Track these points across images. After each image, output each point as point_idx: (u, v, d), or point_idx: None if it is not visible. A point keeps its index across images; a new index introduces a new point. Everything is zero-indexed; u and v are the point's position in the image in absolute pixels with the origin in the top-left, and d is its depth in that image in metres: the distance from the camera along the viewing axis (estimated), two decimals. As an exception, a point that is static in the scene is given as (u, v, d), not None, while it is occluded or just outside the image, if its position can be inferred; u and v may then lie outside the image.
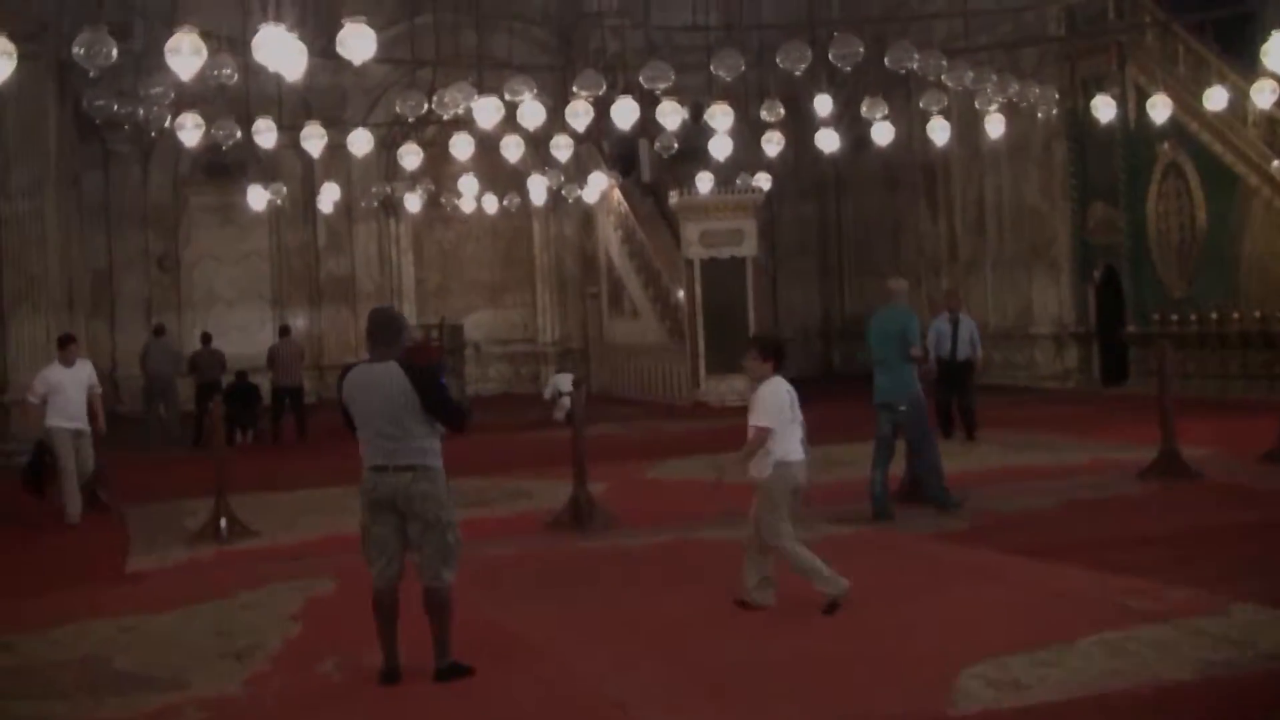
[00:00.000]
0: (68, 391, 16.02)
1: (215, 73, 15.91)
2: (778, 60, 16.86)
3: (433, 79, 21.34)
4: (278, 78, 24.53)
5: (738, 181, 29.88)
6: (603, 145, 32.97)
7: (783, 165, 31.69)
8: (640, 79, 17.98)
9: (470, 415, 8.58)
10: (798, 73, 16.94)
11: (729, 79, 17.91)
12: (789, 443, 9.71)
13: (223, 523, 14.30)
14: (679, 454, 19.92)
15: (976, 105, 22.28)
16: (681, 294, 29.08)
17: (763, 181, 30.36)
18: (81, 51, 12.87)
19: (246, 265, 34.14)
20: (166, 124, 18.98)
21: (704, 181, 29.65)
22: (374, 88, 32.31)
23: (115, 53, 13.09)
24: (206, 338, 26.86)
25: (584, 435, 14.06)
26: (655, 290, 30.82)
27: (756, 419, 9.64)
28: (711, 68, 17.85)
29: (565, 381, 26.33)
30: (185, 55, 13.17)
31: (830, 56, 16.36)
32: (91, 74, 13.64)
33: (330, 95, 31.73)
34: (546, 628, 9.78)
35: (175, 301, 33.41)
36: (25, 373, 23.22)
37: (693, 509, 14.76)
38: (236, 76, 16.50)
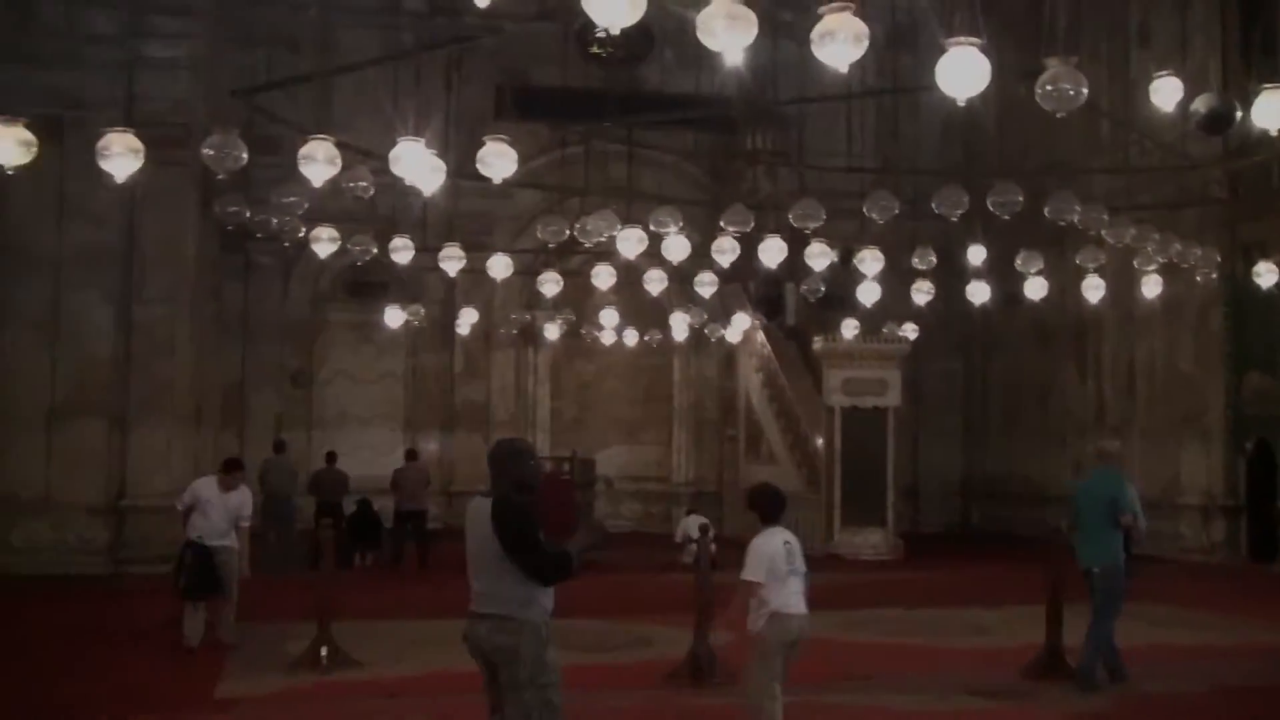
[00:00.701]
0: (212, 515, 15.26)
1: (351, 185, 15.50)
2: (933, 205, 16.16)
3: (579, 207, 20.93)
4: (423, 199, 24.78)
5: (884, 330, 29.10)
6: (749, 286, 32.40)
7: (931, 317, 30.83)
8: (790, 218, 17.37)
9: (566, 567, 7.56)
10: (954, 218, 16.20)
11: (881, 220, 17.27)
12: (784, 595, 9.42)
13: (324, 651, 13.67)
14: (812, 608, 18.93)
15: (1135, 264, 21.33)
16: (820, 442, 28.26)
17: (909, 332, 29.52)
18: (211, 153, 12.54)
19: (381, 386, 33.78)
20: (300, 234, 18.66)
21: (849, 328, 28.94)
22: (521, 215, 32.03)
23: (245, 156, 12.73)
24: (331, 457, 26.49)
25: (708, 583, 13.24)
26: (794, 437, 30.03)
27: (742, 573, 9.41)
28: (865, 209, 17.23)
29: (694, 525, 25.54)
30: (319, 163, 12.79)
31: (989, 204, 15.65)
32: (220, 176, 13.32)
33: (477, 220, 31.49)
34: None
35: (306, 419, 33.06)
36: (144, 481, 23.05)
37: (822, 670, 13.89)
38: (372, 190, 16.08)
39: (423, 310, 29.79)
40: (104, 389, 23.41)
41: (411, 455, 27.40)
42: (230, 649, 14.82)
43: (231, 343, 32.23)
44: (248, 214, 16.78)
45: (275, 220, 17.51)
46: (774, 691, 9.42)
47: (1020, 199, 15.83)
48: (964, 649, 15.44)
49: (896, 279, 25.12)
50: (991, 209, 15.82)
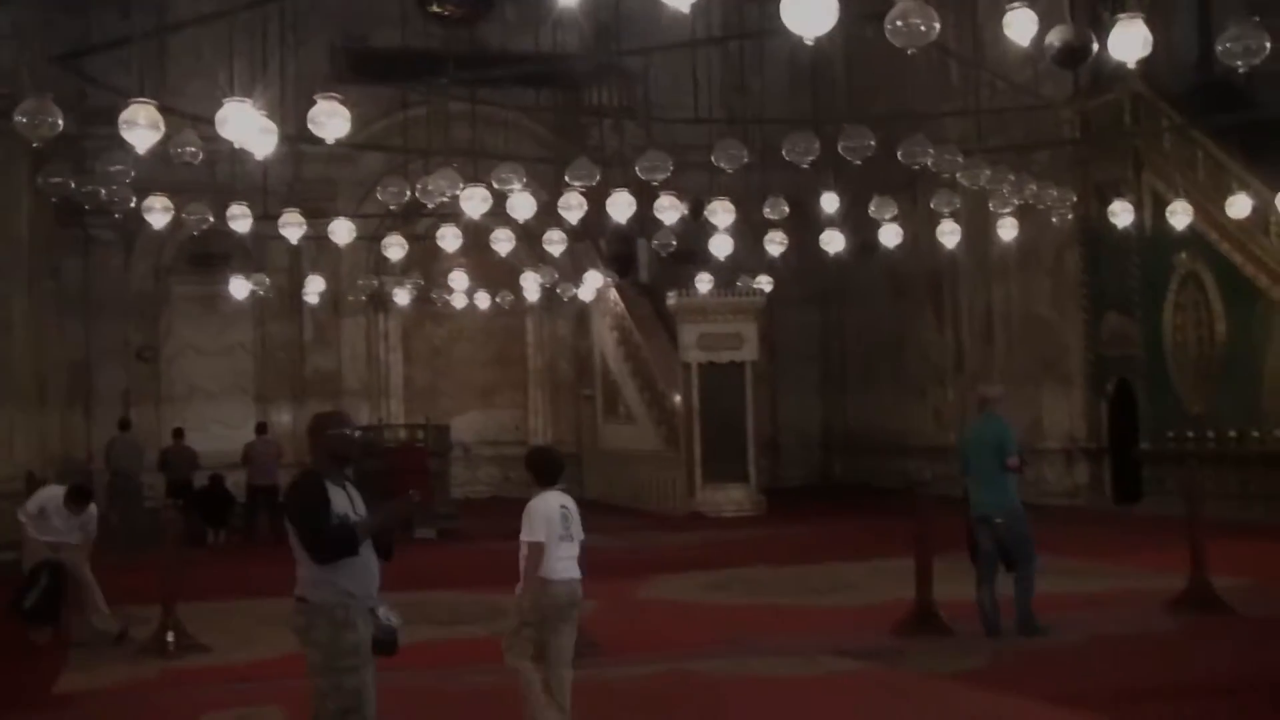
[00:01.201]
0: (57, 523, 14.47)
1: (179, 150, 14.84)
2: (783, 152, 15.72)
3: (424, 169, 20.36)
4: (263, 165, 24.03)
5: (738, 284, 28.85)
6: (599, 244, 32.04)
7: (785, 269, 30.64)
8: (637, 170, 16.94)
9: (343, 543, 7.02)
10: (804, 164, 15.78)
11: (730, 170, 16.81)
12: (552, 560, 9.10)
13: (170, 636, 13.07)
14: (673, 570, 18.72)
15: (991, 207, 21.20)
16: (678, 399, 27.96)
17: (764, 284, 29.28)
18: (24, 120, 11.80)
19: (229, 358, 32.96)
20: (132, 204, 17.91)
21: (703, 283, 28.67)
22: (365, 179, 31.22)
23: (60, 123, 12.00)
24: (179, 433, 25.76)
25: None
26: (651, 394, 29.71)
27: (522, 536, 9.17)
28: (713, 158, 16.75)
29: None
30: (141, 128, 12.06)
31: (839, 149, 15.32)
32: (35, 144, 12.61)
33: (320, 186, 30.83)
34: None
35: (155, 394, 32.20)
36: (-8, 466, 22.30)
37: (687, 635, 13.66)
38: (200, 156, 15.44)
39: (268, 280, 28.99)
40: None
41: (262, 429, 26.73)
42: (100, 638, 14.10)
43: (74, 320, 31.38)
44: (73, 185, 15.98)
45: (104, 191, 16.69)
46: (526, 650, 9.28)
47: (871, 143, 15.53)
48: (831, 607, 15.18)
49: (749, 231, 24.93)
50: (842, 154, 15.49)
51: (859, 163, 15.61)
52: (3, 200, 22.97)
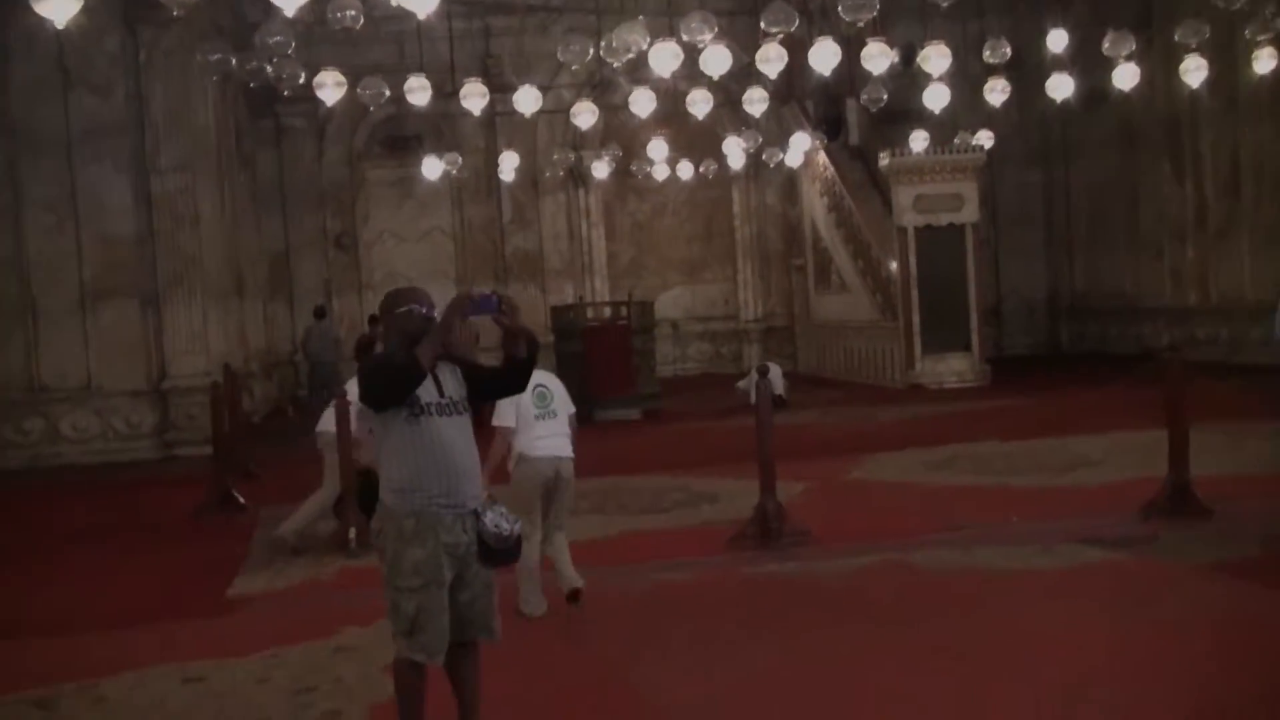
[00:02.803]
0: None
1: (338, 15, 13.74)
2: None
3: (598, 28, 19.02)
4: (449, 42, 22.93)
5: (955, 141, 27.04)
6: (805, 105, 30.38)
7: (1005, 123, 28.77)
8: (840, 10, 15.36)
9: (386, 371, 6.14)
10: None
11: (945, 4, 15.03)
12: (529, 438, 9.32)
13: (352, 533, 12.11)
14: (889, 447, 17.29)
15: (1247, 34, 19.00)
16: (894, 266, 26.38)
17: (984, 140, 27.43)
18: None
19: (428, 242, 32.20)
20: (300, 80, 16.94)
21: (918, 141, 26.93)
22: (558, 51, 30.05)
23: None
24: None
25: (768, 431, 11.54)
26: (865, 263, 28.13)
27: (493, 420, 9.28)
28: None
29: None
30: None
31: None
32: (175, 12, 11.59)
33: (513, 61, 29.73)
34: (698, 696, 7.43)
35: (355, 282, 31.69)
36: (182, 360, 21.76)
37: (902, 521, 12.30)
38: (361, 20, 14.33)
39: (460, 159, 28.12)
40: (131, 268, 21.93)
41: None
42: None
43: (271, 212, 31.04)
44: (233, 61, 15.01)
45: (268, 66, 15.71)
46: (533, 533, 9.18)
47: None
48: (1069, 488, 13.62)
49: (965, 84, 23.05)
50: None
51: None
52: (183, 91, 22.13)
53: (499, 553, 6.24)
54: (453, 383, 6.28)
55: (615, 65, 17.24)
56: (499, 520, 6.22)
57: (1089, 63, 21.79)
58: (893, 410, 22.25)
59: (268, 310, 30.31)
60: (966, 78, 22.66)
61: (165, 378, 21.98)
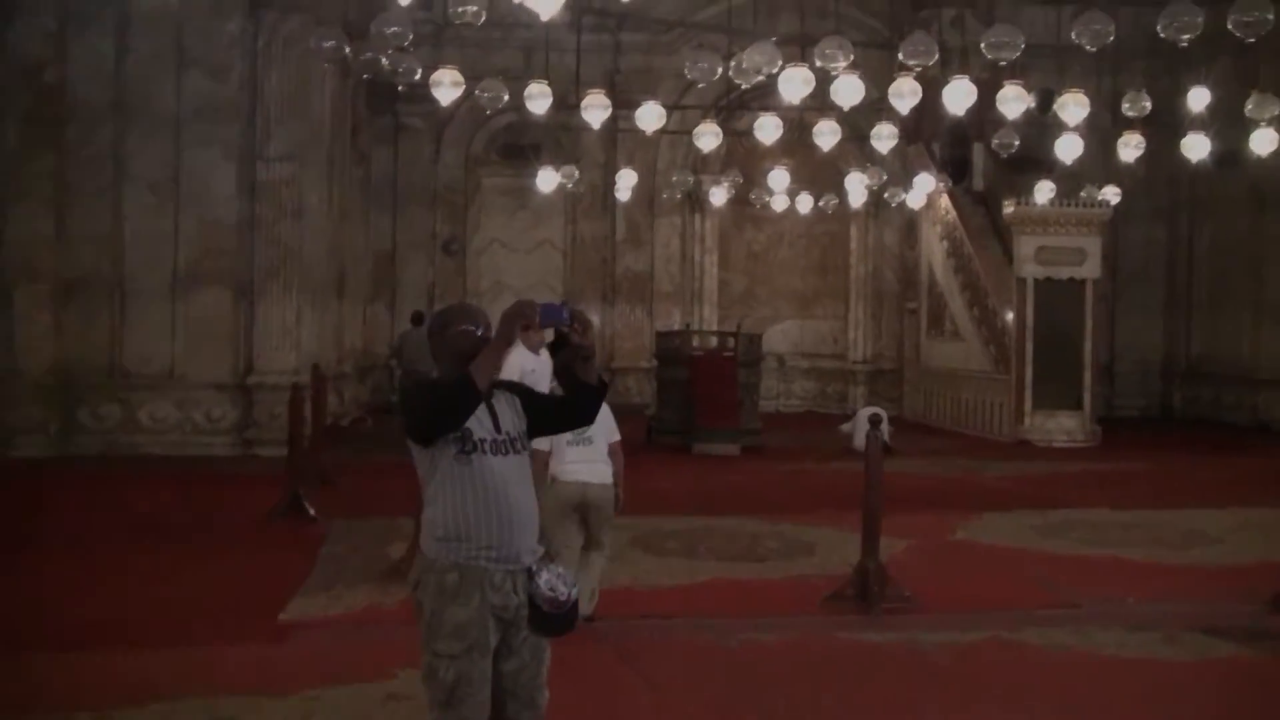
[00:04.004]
0: None
1: (460, 10, 13.27)
2: (1159, 28, 13.16)
3: (728, 48, 18.43)
4: (576, 53, 22.47)
5: (1082, 194, 26.25)
6: (931, 146, 29.63)
7: (1130, 180, 27.93)
8: (983, 47, 14.66)
9: (432, 396, 5.37)
10: (1182, 42, 13.12)
11: (1092, 49, 14.15)
12: (560, 463, 9.48)
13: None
14: (996, 506, 16.56)
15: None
16: (1010, 316, 25.60)
17: (1111, 195, 26.62)
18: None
19: (538, 255, 31.70)
20: (417, 76, 16.53)
21: (1043, 192, 26.17)
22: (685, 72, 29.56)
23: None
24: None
25: (878, 483, 10.90)
26: (981, 311, 27.34)
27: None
28: (1073, 34, 14.07)
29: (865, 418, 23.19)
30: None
31: (1230, 23, 12.69)
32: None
33: (639, 78, 29.22)
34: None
35: (460, 289, 31.17)
36: (271, 356, 21.38)
37: (1011, 591, 11.59)
38: (484, 16, 13.86)
39: (578, 173, 27.69)
40: (229, 256, 21.56)
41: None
42: None
43: (381, 210, 30.72)
44: (347, 50, 14.60)
45: (384, 59, 15.29)
46: (563, 552, 9.28)
47: (1271, 17, 12.71)
48: (1187, 565, 12.85)
49: (1094, 136, 22.23)
50: (1233, 29, 12.74)
51: (1252, 40, 12.93)
52: (301, 80, 21.79)
53: (552, 618, 5.39)
54: (510, 415, 5.48)
55: (744, 86, 16.67)
56: (555, 581, 5.39)
57: (1225, 122, 21.02)
58: (1000, 466, 21.48)
59: (368, 311, 30.00)
60: (1095, 130, 21.83)
61: (251, 372, 21.52)
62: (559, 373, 5.59)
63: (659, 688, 8.44)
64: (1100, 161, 24.85)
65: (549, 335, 5.65)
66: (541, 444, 8.62)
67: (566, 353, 5.46)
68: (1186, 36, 12.92)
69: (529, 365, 10.46)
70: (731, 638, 9.64)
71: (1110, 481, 19.54)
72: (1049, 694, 8.47)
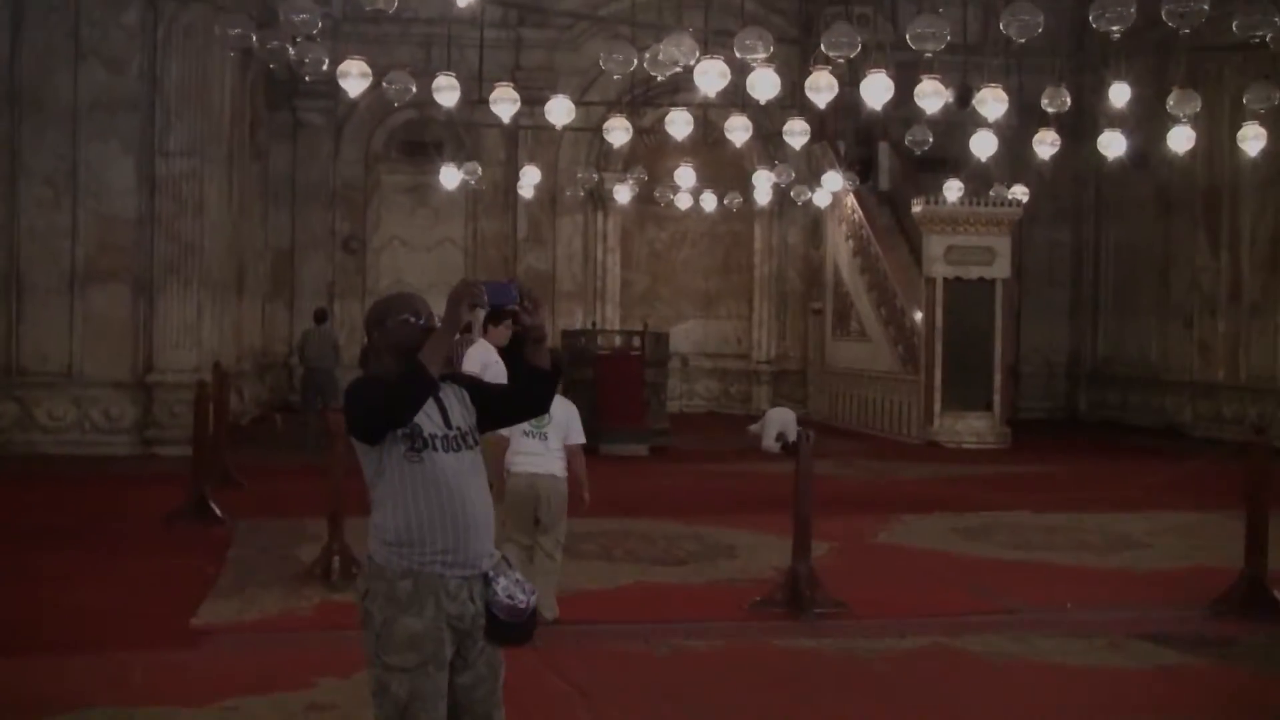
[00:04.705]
0: None
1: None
2: (1090, 18, 12.78)
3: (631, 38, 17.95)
4: (478, 50, 21.94)
5: (991, 193, 26.09)
6: (837, 145, 29.38)
7: (1036, 181, 27.88)
8: (907, 38, 14.29)
9: (375, 393, 4.81)
10: (1114, 33, 12.76)
11: (1020, 39, 13.77)
12: (513, 455, 9.34)
13: (335, 562, 11.05)
14: (914, 509, 16.28)
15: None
16: (919, 317, 25.40)
17: (1020, 194, 26.48)
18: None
19: (439, 253, 31.06)
20: (324, 66, 16.00)
21: (952, 191, 25.97)
22: (589, 68, 29.01)
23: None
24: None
25: (809, 493, 10.50)
26: (889, 311, 27.12)
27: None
28: (1001, 25, 13.65)
29: (776, 422, 22.91)
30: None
31: (1164, 14, 12.35)
32: None
33: (540, 75, 28.71)
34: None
35: (360, 287, 30.58)
36: (172, 354, 20.73)
37: (944, 597, 11.25)
38: (396, 2, 13.35)
39: (480, 170, 27.16)
40: (128, 252, 21.01)
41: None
42: None
43: (280, 207, 30.06)
44: (254, 38, 14.01)
45: (291, 49, 14.72)
46: (511, 543, 9.16)
47: (1206, 6, 12.33)
48: (1117, 570, 12.56)
49: (1000, 135, 21.97)
50: (1167, 19, 12.38)
51: (1186, 31, 12.61)
52: (201, 72, 21.14)
53: (509, 628, 4.92)
54: (459, 408, 5.01)
55: (659, 78, 16.24)
56: (513, 588, 4.92)
57: (1141, 121, 20.91)
58: (912, 468, 21.26)
59: (266, 309, 29.28)
60: (1002, 129, 21.61)
61: (151, 370, 20.94)
62: (505, 355, 5.14)
63: (590, 697, 7.98)
64: (1006, 161, 24.72)
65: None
66: (509, 432, 8.83)
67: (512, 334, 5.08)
68: (1116, 29, 12.57)
69: (491, 359, 9.93)
70: (661, 645, 9.21)
71: (1026, 484, 19.34)
72: (997, 705, 8.15)
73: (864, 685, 8.50)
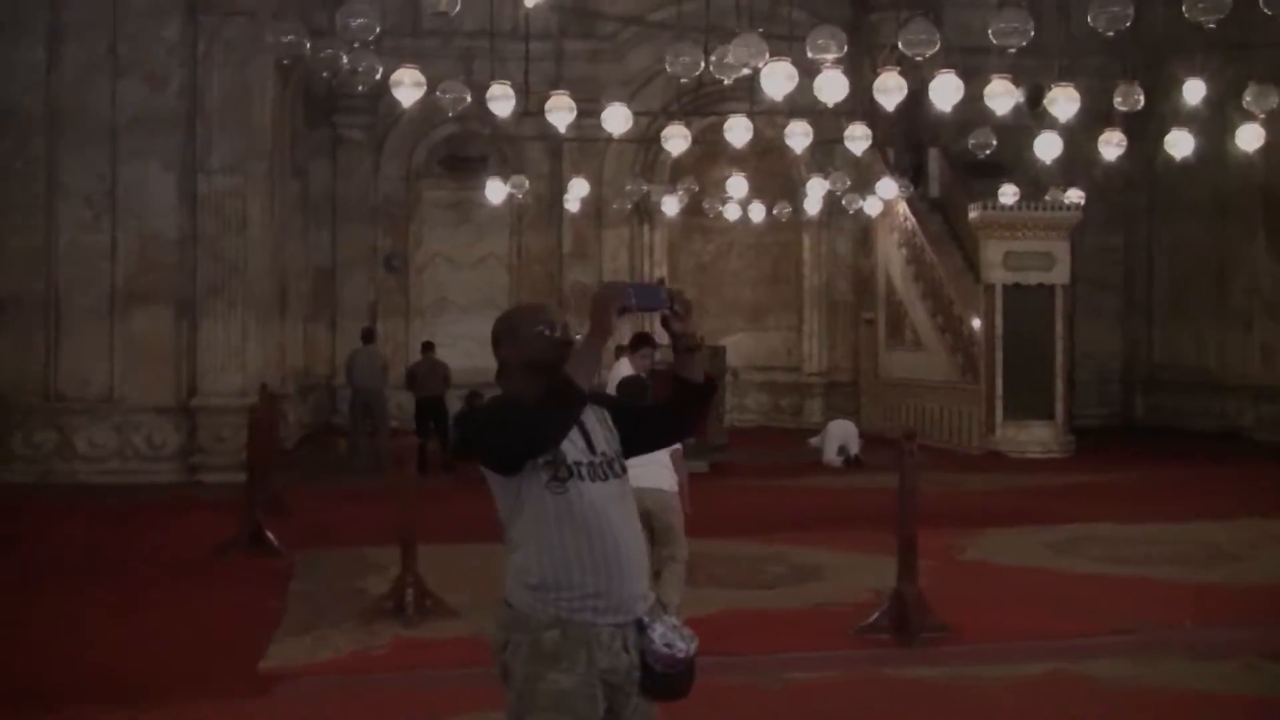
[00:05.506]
0: None
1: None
2: (1185, 9, 12.08)
3: (705, 44, 17.41)
4: (520, 63, 21.49)
5: (1046, 197, 25.55)
6: (887, 153, 28.83)
7: (1088, 184, 27.32)
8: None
9: (518, 414, 4.26)
10: (1208, 24, 12.06)
11: (1109, 32, 13.14)
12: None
13: (409, 594, 10.49)
14: (994, 522, 15.71)
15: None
16: (977, 324, 24.82)
17: (1075, 197, 25.94)
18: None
19: (482, 269, 30.58)
20: (377, 76, 15.55)
21: (1007, 196, 25.45)
22: (633, 79, 28.57)
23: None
24: (428, 346, 23.35)
25: (913, 511, 10.01)
26: (945, 319, 26.54)
27: None
28: (1089, 18, 12.68)
29: (837, 436, 22.44)
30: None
31: (1184, 10, 11.62)
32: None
33: (584, 86, 28.16)
34: None
35: (403, 306, 30.09)
36: (216, 377, 20.23)
37: (1053, 618, 10.66)
38: (458, 6, 12.88)
39: (527, 183, 26.63)
40: (169, 272, 20.54)
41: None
42: None
43: (320, 225, 29.61)
44: (307, 45, 13.57)
45: (345, 56, 14.26)
46: None
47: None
48: (1222, 585, 11.97)
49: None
50: (1188, 16, 11.63)
51: (1212, 25, 12.00)
52: (240, 86, 20.69)
53: (666, 679, 4.36)
54: (602, 431, 4.49)
55: (726, 81, 15.69)
56: (670, 635, 4.35)
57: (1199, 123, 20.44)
58: (979, 479, 20.65)
59: (308, 329, 28.82)
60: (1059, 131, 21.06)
61: (195, 394, 20.39)
62: (669, 373, 4.59)
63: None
64: (1061, 164, 24.20)
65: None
66: None
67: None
68: (1213, 19, 12.04)
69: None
70: (769, 678, 8.68)
71: (1100, 494, 18.77)
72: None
73: (987, 716, 7.96)
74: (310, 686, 8.73)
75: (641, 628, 4.36)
